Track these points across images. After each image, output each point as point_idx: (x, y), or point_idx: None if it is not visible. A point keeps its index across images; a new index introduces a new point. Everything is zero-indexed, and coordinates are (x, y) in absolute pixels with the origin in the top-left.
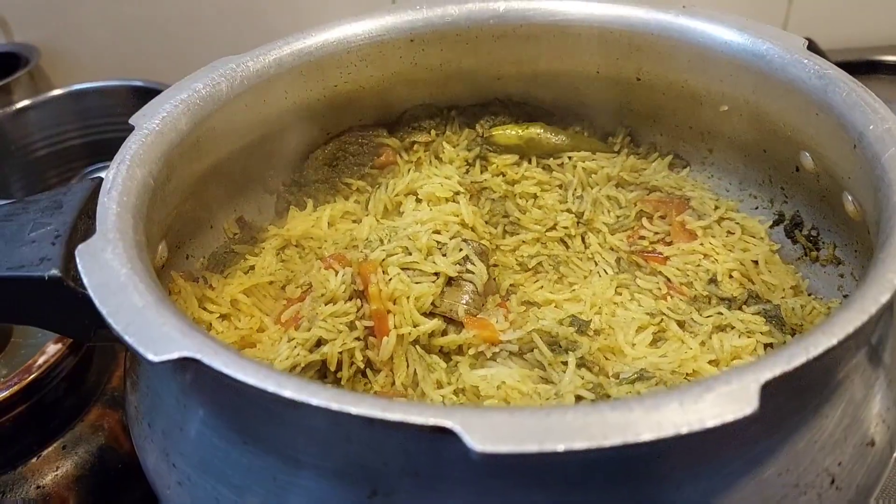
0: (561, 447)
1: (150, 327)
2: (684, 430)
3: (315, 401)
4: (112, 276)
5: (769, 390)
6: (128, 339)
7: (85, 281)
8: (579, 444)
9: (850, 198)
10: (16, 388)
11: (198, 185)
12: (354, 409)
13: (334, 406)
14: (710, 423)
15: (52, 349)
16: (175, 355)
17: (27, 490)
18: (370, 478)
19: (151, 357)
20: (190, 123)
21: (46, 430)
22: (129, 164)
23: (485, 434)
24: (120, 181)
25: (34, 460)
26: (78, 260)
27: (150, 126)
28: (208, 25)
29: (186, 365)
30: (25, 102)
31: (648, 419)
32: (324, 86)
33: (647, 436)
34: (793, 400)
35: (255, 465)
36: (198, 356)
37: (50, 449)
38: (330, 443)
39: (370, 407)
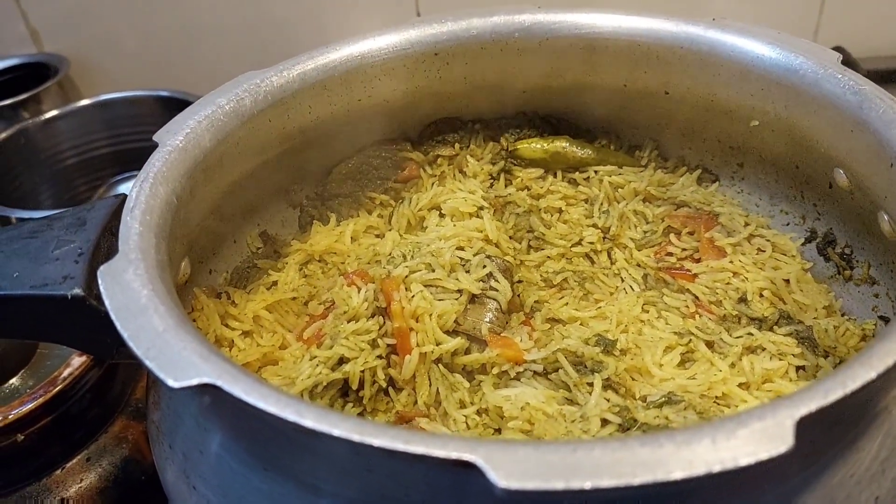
0: (588, 485)
1: (170, 351)
2: (716, 469)
3: (336, 431)
4: (133, 297)
5: (804, 425)
6: (148, 363)
7: (106, 303)
8: (607, 482)
9: (886, 217)
10: (41, 400)
11: (221, 201)
12: (376, 441)
13: (356, 437)
14: (744, 461)
15: (77, 361)
16: (195, 381)
17: (51, 502)
18: None
19: (172, 382)
20: (213, 140)
21: (71, 442)
22: (152, 181)
23: (509, 469)
24: (143, 200)
25: (58, 472)
26: (100, 281)
27: (174, 143)
28: (235, 37)
29: (206, 390)
30: (55, 112)
31: (679, 456)
32: (348, 100)
33: (678, 474)
34: (828, 433)
35: (274, 492)
36: (218, 382)
37: (74, 461)
38: (351, 472)
39: (392, 439)
